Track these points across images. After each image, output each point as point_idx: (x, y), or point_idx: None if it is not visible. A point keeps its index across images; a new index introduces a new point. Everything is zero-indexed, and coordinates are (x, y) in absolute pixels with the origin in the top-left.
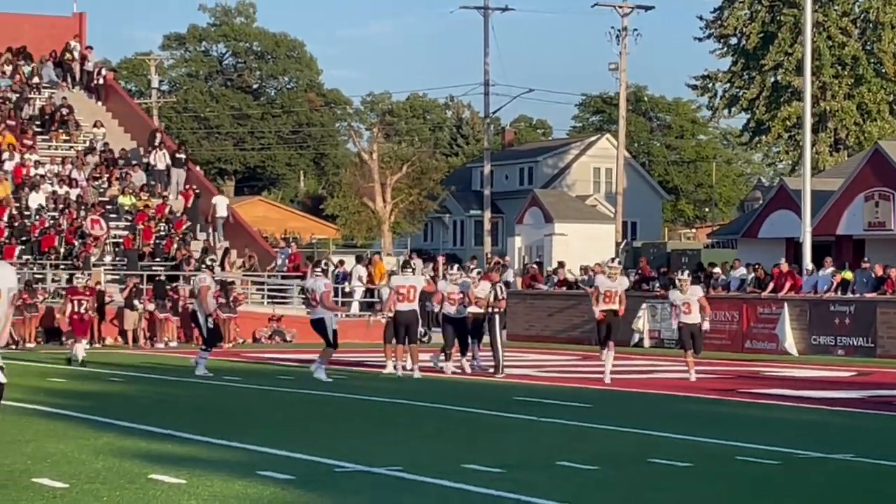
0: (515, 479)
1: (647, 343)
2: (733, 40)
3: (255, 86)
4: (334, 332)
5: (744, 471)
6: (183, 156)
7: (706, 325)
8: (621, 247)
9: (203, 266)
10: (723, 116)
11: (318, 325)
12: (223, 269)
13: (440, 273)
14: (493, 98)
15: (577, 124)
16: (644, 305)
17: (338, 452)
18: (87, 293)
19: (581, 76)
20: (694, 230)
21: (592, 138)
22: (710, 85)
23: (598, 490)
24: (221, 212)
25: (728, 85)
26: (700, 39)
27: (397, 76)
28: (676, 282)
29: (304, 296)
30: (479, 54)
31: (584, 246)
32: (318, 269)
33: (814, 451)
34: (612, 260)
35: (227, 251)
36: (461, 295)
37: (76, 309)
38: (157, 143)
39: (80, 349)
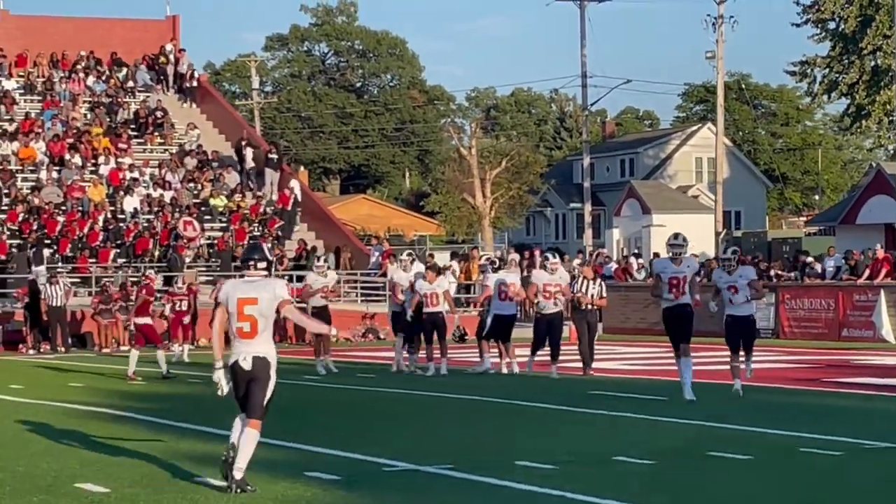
0: (565, 476)
1: None
2: (831, 25)
3: (357, 84)
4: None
5: (804, 462)
6: (275, 156)
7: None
8: (721, 237)
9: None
10: (822, 102)
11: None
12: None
13: (537, 264)
14: (594, 90)
15: (680, 114)
16: None
17: (390, 451)
18: (185, 294)
19: (683, 66)
20: (802, 219)
21: (694, 128)
22: (808, 71)
23: (647, 485)
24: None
25: (827, 70)
26: (797, 25)
27: (499, 71)
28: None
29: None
30: (578, 46)
31: None
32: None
33: (882, 442)
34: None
35: (338, 250)
36: (557, 287)
37: (176, 310)
38: (244, 145)
39: (178, 351)
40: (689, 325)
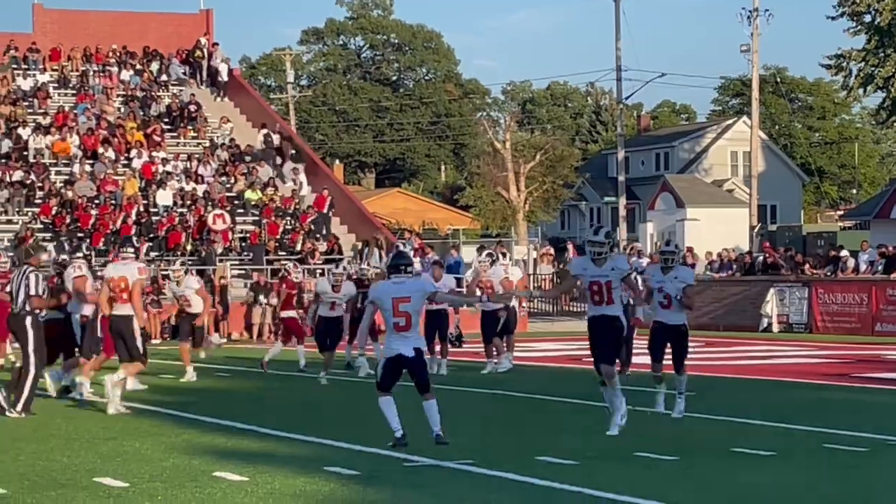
0: (586, 471)
1: (775, 328)
2: (867, 18)
3: (393, 78)
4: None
5: (827, 458)
6: (293, 150)
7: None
8: (755, 231)
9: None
10: (858, 96)
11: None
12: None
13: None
14: (629, 83)
15: (716, 108)
16: (772, 290)
17: (411, 447)
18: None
19: (719, 59)
20: (839, 213)
21: (729, 121)
22: (844, 64)
23: (667, 480)
24: None
25: (862, 63)
26: (833, 18)
27: (535, 64)
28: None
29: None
30: (614, 39)
31: (716, 231)
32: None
33: None
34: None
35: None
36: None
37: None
38: (268, 138)
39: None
40: (614, 341)
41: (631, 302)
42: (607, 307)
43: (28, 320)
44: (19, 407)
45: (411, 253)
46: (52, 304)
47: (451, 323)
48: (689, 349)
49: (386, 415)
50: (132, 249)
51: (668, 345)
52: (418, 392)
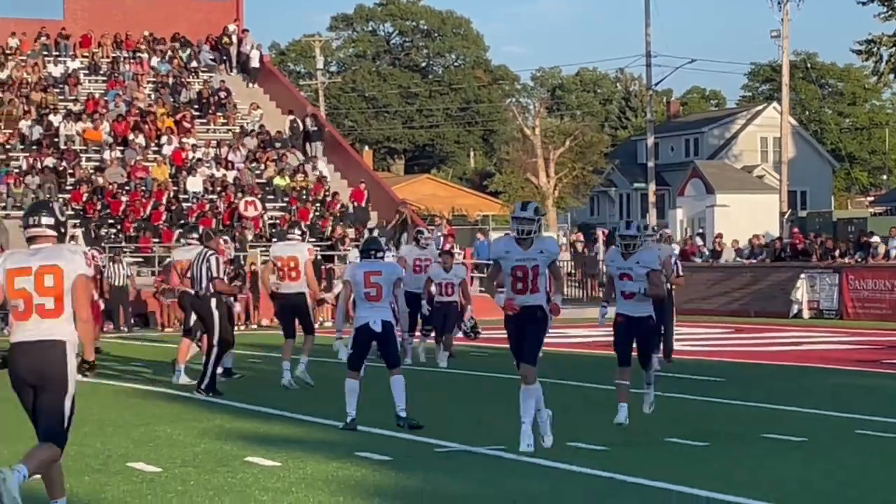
0: (616, 457)
1: (805, 314)
2: None
3: (422, 64)
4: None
5: (859, 445)
6: (316, 127)
7: None
8: (786, 217)
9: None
10: (889, 81)
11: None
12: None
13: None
14: (659, 69)
15: (746, 94)
16: (803, 276)
17: (444, 432)
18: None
19: (749, 45)
20: (869, 198)
21: (759, 107)
22: (874, 49)
23: (696, 466)
24: None
25: (893, 48)
26: (863, 3)
27: (564, 50)
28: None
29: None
30: (643, 25)
31: (746, 217)
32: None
33: None
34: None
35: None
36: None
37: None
38: (294, 124)
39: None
40: (536, 334)
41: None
42: (533, 295)
43: (213, 302)
44: (204, 386)
45: (441, 239)
46: (231, 290)
47: (466, 315)
48: (715, 335)
49: (346, 398)
50: (298, 231)
51: (635, 340)
52: (386, 366)
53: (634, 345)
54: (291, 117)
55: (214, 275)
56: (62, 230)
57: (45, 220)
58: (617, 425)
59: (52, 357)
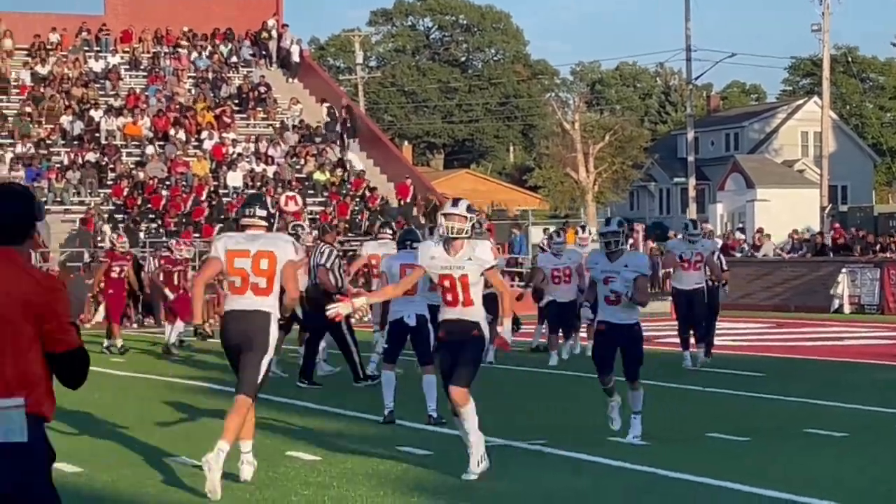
0: (656, 452)
1: (846, 309)
2: None
3: (461, 59)
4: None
5: None
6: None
7: None
8: (826, 211)
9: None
10: None
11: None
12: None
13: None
14: (699, 64)
15: (786, 88)
16: (844, 270)
17: (484, 427)
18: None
19: (789, 39)
20: None
21: (800, 102)
22: None
23: (735, 461)
24: None
25: None
26: None
27: (604, 45)
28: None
29: None
30: (683, 19)
31: (787, 212)
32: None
33: None
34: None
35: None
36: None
37: None
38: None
39: None
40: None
41: (714, 283)
42: (465, 309)
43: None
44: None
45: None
46: (329, 283)
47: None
48: (760, 330)
49: (384, 389)
50: (390, 231)
51: (618, 350)
52: (418, 363)
53: (618, 355)
54: (328, 104)
55: (321, 261)
56: (271, 220)
57: (259, 212)
58: (610, 423)
59: (260, 323)
